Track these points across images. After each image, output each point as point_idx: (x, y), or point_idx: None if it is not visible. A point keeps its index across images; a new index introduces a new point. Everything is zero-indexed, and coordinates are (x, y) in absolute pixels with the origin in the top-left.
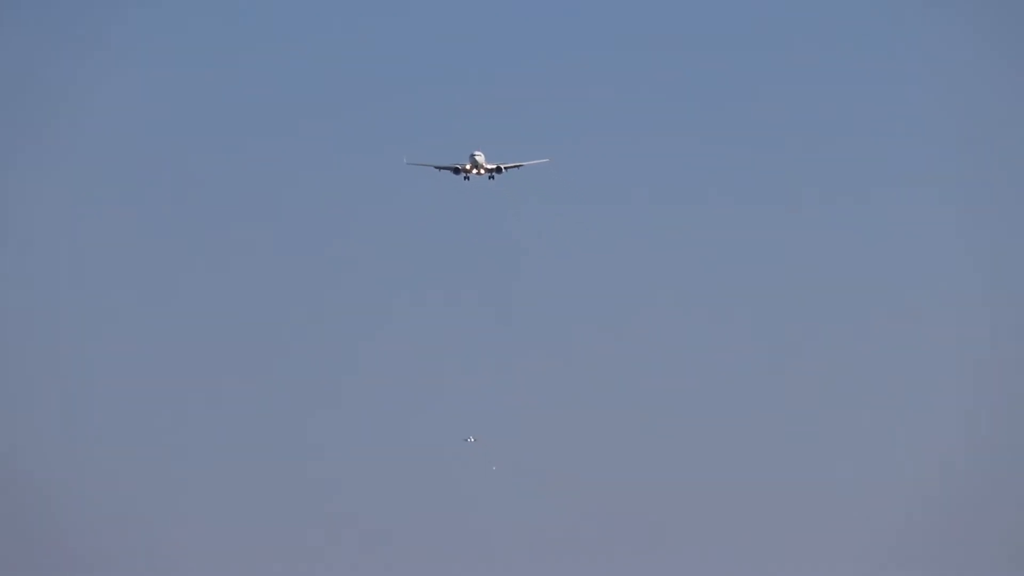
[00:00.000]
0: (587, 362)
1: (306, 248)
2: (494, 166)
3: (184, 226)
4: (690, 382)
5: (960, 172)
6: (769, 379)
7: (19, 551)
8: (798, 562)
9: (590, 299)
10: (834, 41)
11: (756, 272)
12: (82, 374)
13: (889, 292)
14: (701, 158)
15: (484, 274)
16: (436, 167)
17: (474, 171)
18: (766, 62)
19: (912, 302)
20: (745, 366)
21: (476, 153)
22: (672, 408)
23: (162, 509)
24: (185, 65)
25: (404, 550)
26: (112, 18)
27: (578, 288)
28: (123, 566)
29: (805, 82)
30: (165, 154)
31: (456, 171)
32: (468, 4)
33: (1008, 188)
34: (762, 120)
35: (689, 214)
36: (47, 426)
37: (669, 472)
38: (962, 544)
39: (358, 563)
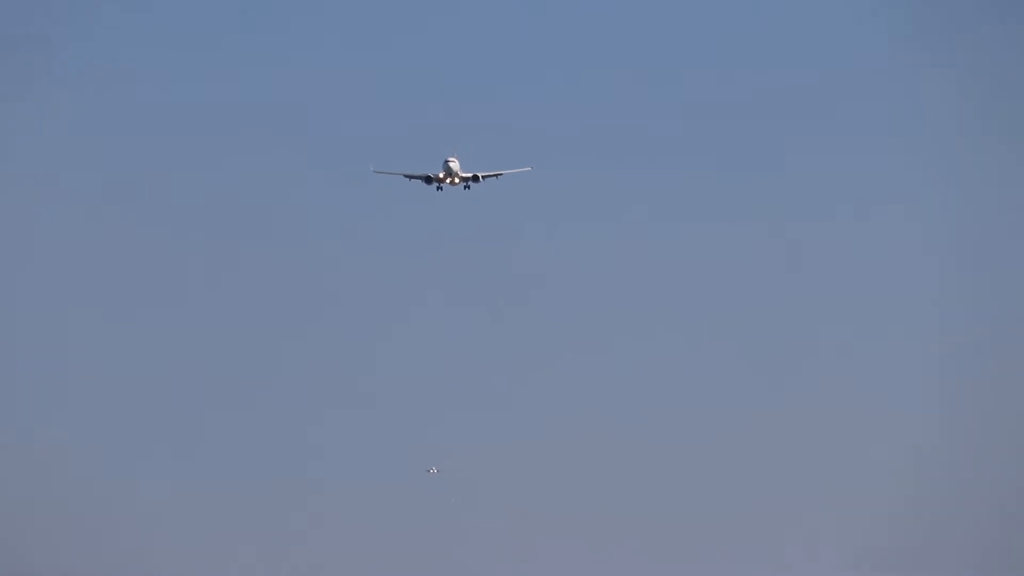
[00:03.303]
0: (573, 377)
1: (280, 263)
2: (470, 175)
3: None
4: (674, 398)
5: (959, 190)
6: (757, 393)
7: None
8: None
9: (576, 314)
10: (827, 62)
11: (741, 288)
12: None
13: (878, 308)
14: (688, 172)
15: (467, 287)
16: (406, 176)
17: (448, 180)
18: (754, 80)
19: (901, 318)
20: (730, 381)
21: (450, 160)
22: (657, 423)
23: (151, 512)
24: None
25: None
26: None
27: (564, 303)
28: (121, 567)
29: (794, 99)
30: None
31: (428, 180)
32: (450, 10)
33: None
34: (749, 136)
35: (676, 228)
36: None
37: (659, 489)
38: (948, 545)
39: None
